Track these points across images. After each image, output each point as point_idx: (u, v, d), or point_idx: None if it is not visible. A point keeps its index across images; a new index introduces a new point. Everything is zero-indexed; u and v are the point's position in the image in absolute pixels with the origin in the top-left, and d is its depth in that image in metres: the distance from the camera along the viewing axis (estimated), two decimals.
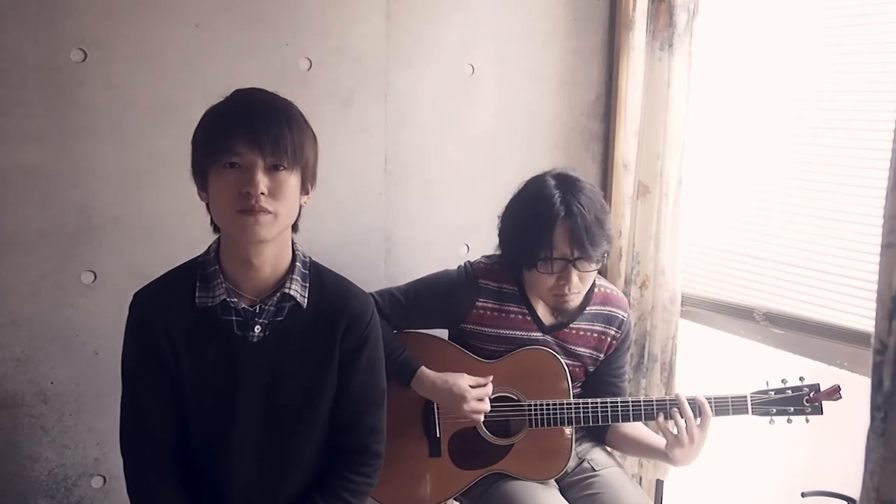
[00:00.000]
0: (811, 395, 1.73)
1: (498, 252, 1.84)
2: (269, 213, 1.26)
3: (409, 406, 1.78)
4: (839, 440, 1.88)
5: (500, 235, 1.81)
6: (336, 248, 2.07)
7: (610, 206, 2.25)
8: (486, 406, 1.72)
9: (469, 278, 1.80)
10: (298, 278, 1.39)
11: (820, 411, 1.73)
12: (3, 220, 1.76)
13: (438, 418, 1.79)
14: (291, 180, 1.29)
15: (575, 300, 1.75)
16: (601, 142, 2.34)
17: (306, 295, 1.40)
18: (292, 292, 1.38)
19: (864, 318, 1.73)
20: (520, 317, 1.80)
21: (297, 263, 1.40)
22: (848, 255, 1.76)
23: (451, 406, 1.72)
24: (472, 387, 1.71)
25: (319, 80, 1.99)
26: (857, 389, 1.64)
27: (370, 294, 1.78)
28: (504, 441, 1.79)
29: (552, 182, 1.72)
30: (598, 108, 2.32)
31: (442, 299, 1.81)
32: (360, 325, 1.43)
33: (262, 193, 1.25)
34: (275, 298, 1.37)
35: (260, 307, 1.37)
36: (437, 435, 1.79)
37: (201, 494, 1.42)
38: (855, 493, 1.24)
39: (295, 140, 1.28)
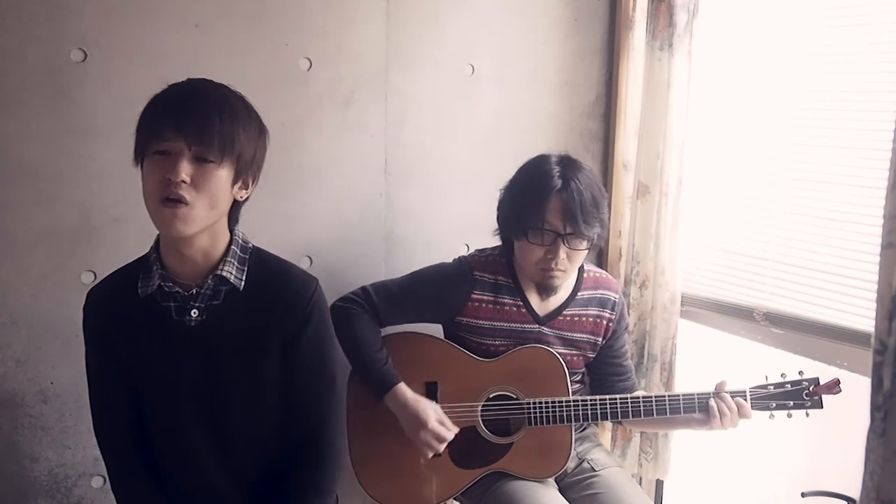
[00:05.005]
0: (811, 388, 1.73)
1: (491, 245, 1.86)
2: (186, 203, 1.24)
3: None
4: (839, 440, 1.88)
5: (498, 207, 1.82)
6: (336, 248, 2.07)
7: (610, 206, 2.26)
8: (440, 448, 1.71)
9: (464, 270, 1.81)
10: (234, 261, 1.39)
11: (820, 405, 1.73)
12: (3, 220, 1.76)
13: None
14: (220, 174, 1.27)
15: (560, 278, 1.76)
16: (601, 142, 2.34)
17: (243, 278, 1.39)
18: (225, 273, 1.37)
19: (864, 318, 1.72)
20: (514, 309, 1.81)
21: (234, 247, 1.39)
22: (848, 255, 1.76)
23: (409, 428, 1.71)
24: (439, 422, 1.70)
25: (319, 80, 1.99)
26: (857, 389, 1.64)
27: (363, 286, 1.79)
28: (504, 440, 1.79)
29: (554, 159, 1.75)
30: (598, 108, 2.33)
31: (437, 291, 1.81)
32: (297, 307, 1.41)
33: (184, 181, 1.23)
34: (210, 282, 1.37)
35: (196, 291, 1.37)
36: None
37: (172, 486, 1.45)
38: (855, 493, 1.24)
39: (225, 131, 1.25)
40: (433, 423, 1.69)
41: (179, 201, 1.24)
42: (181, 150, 1.24)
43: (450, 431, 1.71)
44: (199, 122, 1.24)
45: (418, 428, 1.69)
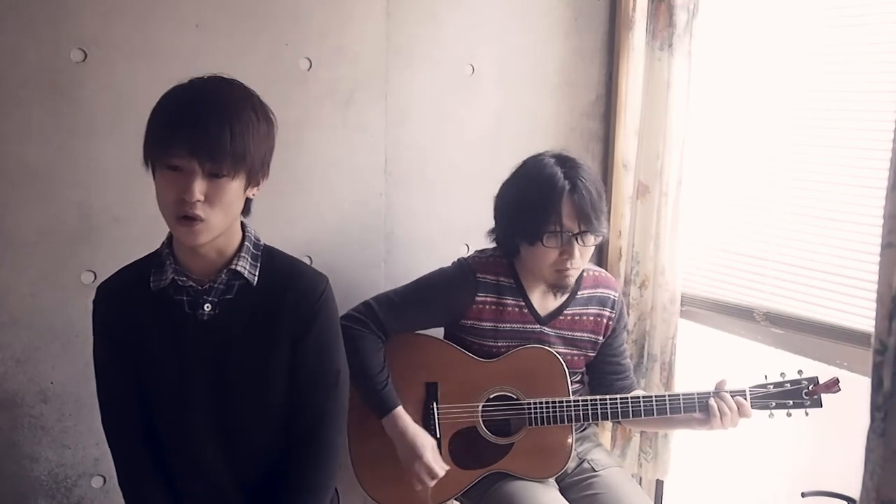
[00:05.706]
0: (810, 388, 1.74)
1: (491, 246, 1.85)
2: (202, 220, 1.27)
3: (408, 407, 1.78)
4: (839, 440, 1.88)
5: (497, 215, 1.81)
6: (336, 248, 2.07)
7: (610, 206, 2.26)
8: (430, 483, 1.72)
9: (466, 273, 1.81)
10: (247, 257, 1.40)
11: (819, 404, 1.74)
12: (3, 220, 1.75)
13: (438, 419, 1.79)
14: (232, 186, 1.29)
15: (573, 276, 1.77)
16: (601, 142, 2.34)
17: (256, 273, 1.41)
18: (239, 268, 1.38)
19: (864, 318, 1.72)
20: (516, 309, 1.81)
21: (247, 243, 1.41)
22: (848, 255, 1.76)
23: (405, 456, 1.72)
24: (433, 458, 1.72)
25: (319, 80, 1.99)
26: (857, 389, 1.64)
27: (365, 301, 1.79)
28: (504, 440, 1.79)
29: (552, 160, 1.75)
30: (598, 108, 2.32)
31: (441, 297, 1.81)
32: (307, 303, 1.42)
33: (199, 200, 1.25)
34: (223, 276, 1.38)
35: (209, 285, 1.38)
36: (437, 435, 1.79)
37: (176, 483, 1.45)
38: (855, 493, 1.24)
39: (237, 147, 1.26)
40: (428, 457, 1.71)
41: (195, 219, 1.26)
42: (193, 169, 1.25)
43: (442, 469, 1.72)
44: (209, 143, 1.24)
45: (413, 459, 1.71)
